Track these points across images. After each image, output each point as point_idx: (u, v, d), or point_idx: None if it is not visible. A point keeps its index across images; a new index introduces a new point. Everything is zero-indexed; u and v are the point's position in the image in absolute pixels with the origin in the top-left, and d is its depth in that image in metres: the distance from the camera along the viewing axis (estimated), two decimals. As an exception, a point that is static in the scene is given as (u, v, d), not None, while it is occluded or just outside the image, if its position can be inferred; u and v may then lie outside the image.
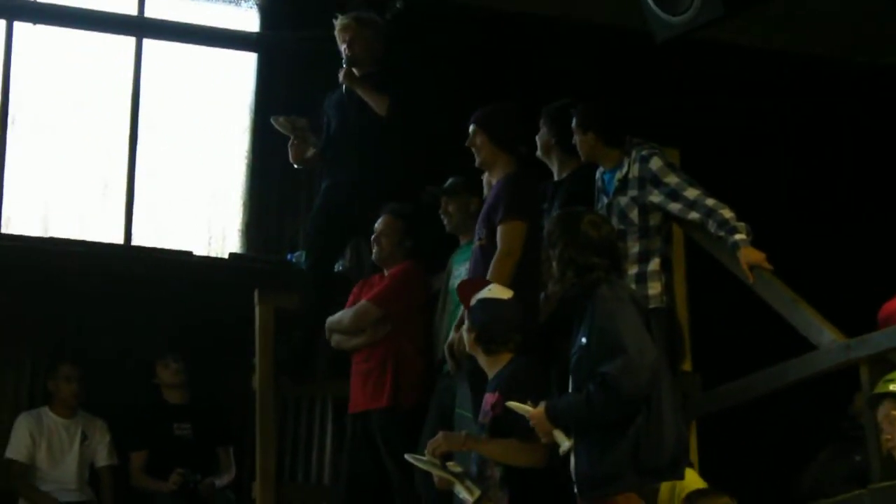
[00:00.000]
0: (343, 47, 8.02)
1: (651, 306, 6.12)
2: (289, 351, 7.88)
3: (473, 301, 5.94)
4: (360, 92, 7.93)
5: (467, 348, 5.98)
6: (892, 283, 7.07)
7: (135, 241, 8.88)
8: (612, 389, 5.05)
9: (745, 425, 8.47)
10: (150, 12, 9.11)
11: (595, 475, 5.15)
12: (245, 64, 9.31)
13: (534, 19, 9.85)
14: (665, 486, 5.53)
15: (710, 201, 6.25)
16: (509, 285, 6.05)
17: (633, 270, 6.26)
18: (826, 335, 5.85)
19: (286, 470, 8.45)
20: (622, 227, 6.31)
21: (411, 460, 5.89)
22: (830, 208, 10.18)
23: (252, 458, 7.99)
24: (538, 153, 6.91)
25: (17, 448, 8.11)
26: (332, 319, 7.53)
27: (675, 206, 6.32)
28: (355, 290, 7.63)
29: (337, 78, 8.05)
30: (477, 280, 6.24)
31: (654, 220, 6.40)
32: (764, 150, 10.14)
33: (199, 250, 9.03)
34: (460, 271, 6.93)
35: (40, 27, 8.93)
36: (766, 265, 6.13)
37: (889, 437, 5.37)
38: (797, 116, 10.14)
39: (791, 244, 8.20)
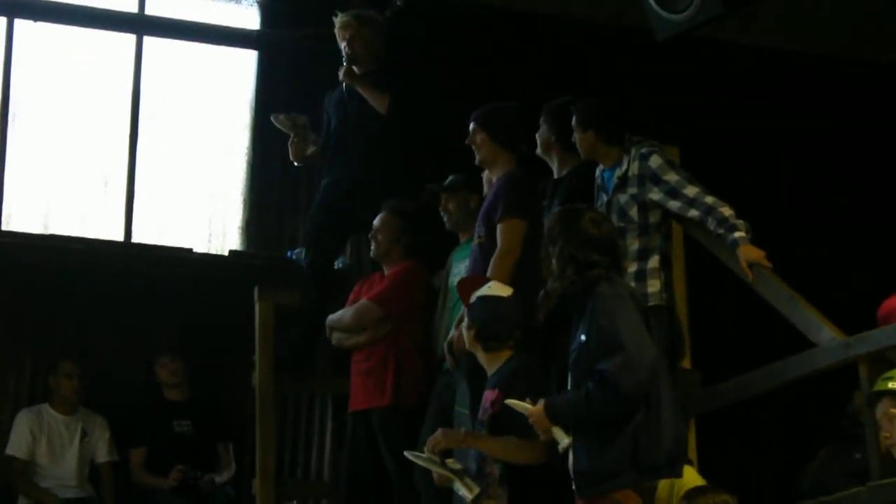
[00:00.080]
0: (343, 45, 8.03)
1: (650, 304, 6.13)
2: (289, 348, 7.89)
3: (473, 298, 5.96)
4: (360, 90, 7.93)
5: (467, 345, 5.99)
6: (891, 281, 7.08)
7: (135, 239, 8.89)
8: (611, 387, 5.06)
9: (745, 423, 8.48)
10: (150, 10, 9.12)
11: (594, 472, 5.15)
12: (245, 61, 9.32)
13: (534, 17, 9.85)
14: (664, 484, 5.52)
15: (709, 199, 6.26)
16: (509, 283, 6.07)
17: (632, 268, 6.26)
18: (825, 333, 5.85)
19: (286, 466, 8.49)
20: (622, 224, 6.31)
21: (411, 457, 5.90)
22: (830, 206, 10.19)
23: (252, 455, 8.00)
24: (538, 151, 6.91)
25: (17, 445, 8.12)
26: (332, 317, 7.53)
27: (674, 204, 6.32)
28: (356, 287, 7.64)
29: (337, 76, 8.06)
30: (477, 277, 6.25)
31: (654, 217, 6.40)
32: (763, 148, 10.14)
33: (200, 247, 9.04)
34: (460, 269, 6.94)
35: (41, 24, 8.94)
36: (766, 263, 6.13)
37: (888, 434, 5.38)
38: (796, 114, 10.13)
39: (790, 242, 8.21)
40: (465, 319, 5.99)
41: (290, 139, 8.26)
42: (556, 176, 6.87)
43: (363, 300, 7.39)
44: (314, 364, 8.12)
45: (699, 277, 6.85)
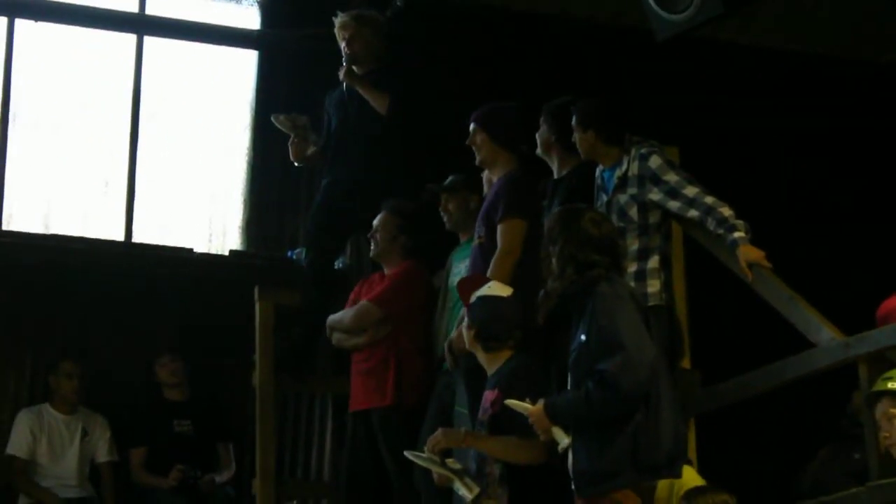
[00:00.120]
0: (343, 45, 8.03)
1: (650, 304, 6.13)
2: (289, 348, 7.89)
3: (473, 298, 5.96)
4: (360, 90, 7.94)
5: (467, 345, 5.99)
6: (890, 282, 7.08)
7: (136, 238, 8.89)
8: (611, 387, 5.06)
9: (744, 423, 8.48)
10: (151, 10, 9.12)
11: (593, 472, 5.16)
12: (246, 61, 9.32)
13: (534, 17, 9.86)
14: (663, 484, 5.53)
15: (709, 199, 6.26)
16: (510, 283, 6.07)
17: (632, 268, 6.26)
18: (825, 333, 5.85)
19: (286, 466, 8.49)
20: (621, 224, 6.31)
21: (411, 457, 5.90)
22: (829, 206, 10.19)
23: (252, 455, 8.00)
24: (538, 151, 6.92)
25: (17, 444, 8.13)
26: (333, 318, 7.53)
27: (674, 204, 6.32)
28: (356, 288, 7.64)
29: (338, 76, 8.06)
30: (477, 277, 6.26)
31: (654, 217, 6.40)
32: (763, 148, 10.15)
33: (200, 247, 9.04)
34: (460, 269, 6.94)
35: (42, 24, 8.94)
36: (765, 263, 6.13)
37: (887, 434, 5.38)
38: (796, 114, 10.14)
39: (790, 242, 8.22)
40: (465, 319, 5.99)
41: (291, 139, 8.26)
42: (555, 176, 6.87)
43: (363, 301, 7.39)
44: (314, 364, 8.13)
45: (699, 277, 6.85)
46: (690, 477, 5.69)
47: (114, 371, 8.45)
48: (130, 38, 9.07)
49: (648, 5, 6.75)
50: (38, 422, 8.17)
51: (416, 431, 6.76)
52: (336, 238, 8.13)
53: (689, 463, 5.90)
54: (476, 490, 5.66)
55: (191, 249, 8.93)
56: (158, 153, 9.04)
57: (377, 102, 7.87)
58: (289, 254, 8.82)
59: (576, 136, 6.59)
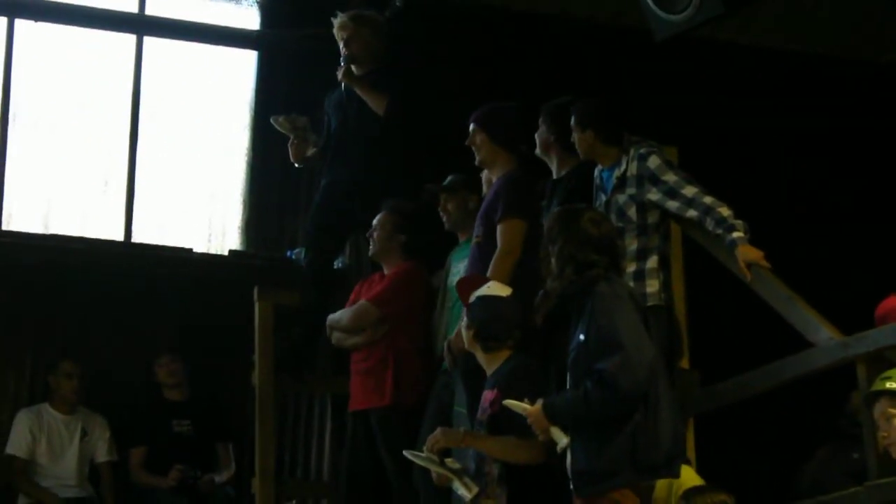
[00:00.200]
0: (341, 45, 8.03)
1: (649, 304, 6.13)
2: (289, 348, 7.89)
3: (472, 298, 5.95)
4: (358, 91, 7.93)
5: (466, 345, 5.99)
6: (889, 281, 7.09)
7: (135, 238, 8.90)
8: (610, 386, 5.06)
9: (743, 423, 8.47)
10: (150, 10, 9.13)
11: (592, 471, 5.15)
12: (245, 62, 9.33)
13: (534, 17, 9.86)
14: (662, 484, 5.53)
15: (707, 199, 6.25)
16: (509, 284, 6.07)
17: (631, 268, 6.26)
18: (823, 333, 5.85)
19: (285, 466, 8.49)
20: (620, 224, 6.31)
21: (410, 457, 5.90)
22: (829, 206, 10.19)
23: (251, 455, 8.00)
24: (537, 151, 6.92)
25: (17, 444, 8.13)
26: (332, 317, 7.54)
27: (672, 204, 6.32)
28: (356, 287, 7.64)
29: (337, 76, 8.06)
30: (476, 277, 6.25)
31: (653, 217, 6.40)
32: (762, 148, 10.15)
33: (200, 247, 9.04)
34: (459, 268, 6.94)
35: (41, 24, 8.95)
36: (764, 263, 6.12)
37: (885, 434, 5.38)
38: (796, 114, 10.14)
39: (789, 242, 8.23)
40: (464, 319, 5.99)
41: (290, 141, 8.26)
42: (554, 176, 6.87)
43: (362, 301, 7.39)
44: (314, 364, 8.13)
45: (698, 277, 6.85)
46: (689, 477, 5.69)
47: (113, 371, 8.45)
48: (130, 39, 9.08)
49: (647, 5, 6.74)
50: (37, 422, 8.17)
51: (415, 431, 6.76)
52: (335, 238, 8.13)
53: (688, 463, 5.90)
54: (475, 490, 5.66)
55: (190, 249, 8.94)
56: (158, 153, 9.05)
57: (375, 103, 7.87)
58: (288, 254, 8.82)
59: (575, 137, 6.59)
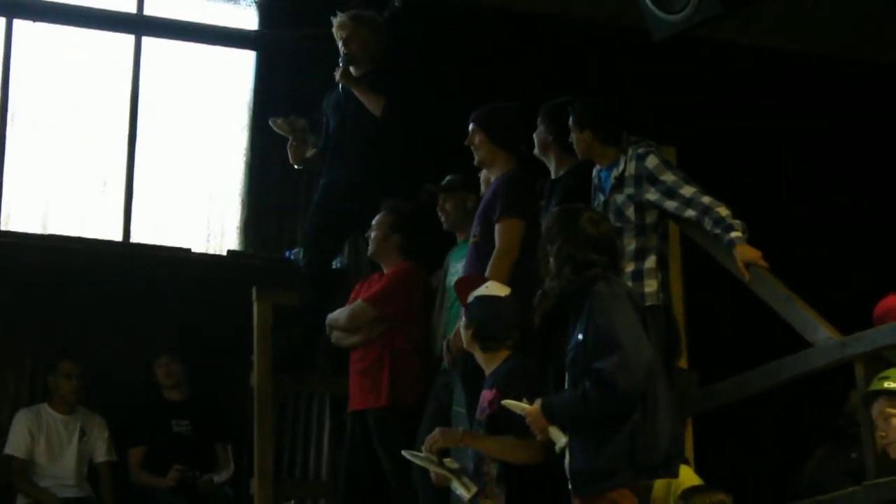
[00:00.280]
0: (340, 45, 8.02)
1: (647, 304, 6.12)
2: (288, 348, 7.89)
3: (471, 298, 5.95)
4: (355, 91, 7.92)
5: (465, 345, 5.99)
6: (887, 281, 7.09)
7: (134, 239, 8.90)
8: (608, 386, 5.06)
9: (741, 422, 8.48)
10: (149, 10, 9.13)
11: (590, 471, 5.15)
12: (244, 62, 9.33)
13: (533, 17, 9.86)
14: (660, 484, 5.54)
15: (706, 199, 6.25)
16: (508, 283, 6.07)
17: (629, 268, 6.26)
18: (821, 332, 5.85)
19: (284, 466, 8.49)
20: (619, 224, 6.30)
21: (408, 457, 5.90)
22: (827, 206, 10.19)
23: (250, 455, 8.00)
24: (536, 151, 6.92)
25: (16, 444, 8.13)
26: (331, 316, 7.54)
27: (671, 204, 6.31)
28: (357, 287, 7.64)
29: (335, 77, 8.05)
30: (475, 277, 6.25)
31: (651, 217, 6.39)
32: (761, 148, 10.14)
33: (198, 247, 9.05)
34: (457, 268, 6.94)
35: (40, 25, 8.95)
36: (762, 263, 6.12)
37: (884, 434, 5.38)
38: (795, 114, 10.14)
39: (788, 242, 8.22)
40: (463, 319, 5.99)
41: (289, 142, 8.25)
42: (553, 176, 6.87)
43: (358, 301, 7.39)
44: (313, 364, 8.13)
45: (696, 277, 6.85)
46: (687, 476, 5.69)
47: (112, 371, 8.45)
48: (128, 39, 9.08)
49: (645, 5, 6.72)
50: (36, 422, 8.17)
51: (414, 431, 6.76)
52: (334, 238, 8.13)
53: (686, 462, 5.90)
54: (474, 489, 5.66)
55: (189, 250, 8.94)
56: (156, 153, 9.05)
57: (372, 105, 7.86)
58: (287, 254, 8.82)
59: (573, 137, 6.58)
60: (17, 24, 8.87)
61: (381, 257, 7.48)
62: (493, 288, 5.98)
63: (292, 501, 8.25)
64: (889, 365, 5.51)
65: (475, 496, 5.66)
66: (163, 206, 9.03)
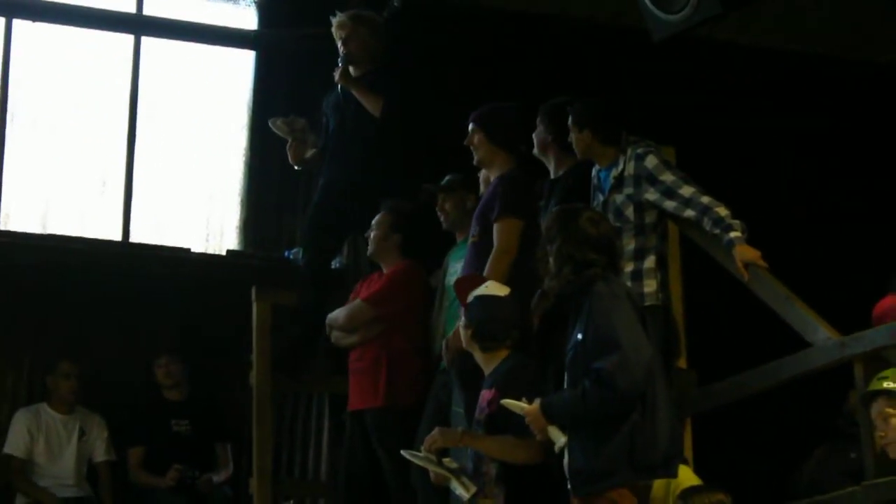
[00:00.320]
0: (339, 45, 8.02)
1: (646, 304, 6.11)
2: (286, 348, 7.89)
3: (470, 298, 5.95)
4: (354, 92, 7.92)
5: (464, 345, 5.99)
6: (886, 281, 7.09)
7: (133, 238, 8.90)
8: (607, 385, 5.06)
9: (740, 422, 8.47)
10: (148, 10, 9.14)
11: (590, 471, 5.15)
12: (243, 62, 9.33)
13: (532, 17, 9.85)
14: (659, 484, 5.53)
15: (705, 199, 6.24)
16: (506, 283, 6.07)
17: (628, 268, 6.25)
18: (821, 333, 5.85)
19: (283, 466, 8.49)
20: (618, 224, 6.29)
21: (408, 456, 5.90)
22: (827, 206, 10.19)
23: (249, 454, 8.00)
24: (535, 151, 6.92)
25: (15, 444, 8.14)
26: (331, 316, 7.54)
27: (670, 204, 6.31)
28: (357, 287, 7.64)
29: (334, 77, 8.05)
30: (474, 277, 6.25)
31: (650, 217, 6.39)
32: (760, 148, 10.14)
33: (197, 247, 9.05)
34: (456, 268, 6.94)
35: (39, 24, 8.95)
36: (761, 263, 6.11)
37: (883, 434, 5.38)
38: (794, 114, 10.13)
39: (787, 242, 8.22)
40: (462, 318, 5.99)
41: (289, 143, 8.25)
42: (552, 176, 6.86)
43: (357, 300, 7.40)
44: (312, 364, 8.12)
45: (695, 277, 6.85)
46: (686, 476, 5.69)
47: (112, 371, 8.45)
48: (128, 39, 9.08)
49: (645, 5, 6.72)
50: (35, 421, 8.18)
51: (413, 431, 6.76)
52: (333, 238, 8.13)
53: (685, 462, 5.91)
54: (473, 489, 5.66)
55: (188, 249, 8.94)
56: (156, 153, 9.05)
57: (371, 105, 7.85)
58: (286, 254, 8.82)
59: (572, 136, 6.58)
60: (17, 23, 8.87)
61: (381, 257, 7.48)
62: (493, 288, 5.98)
63: (291, 501, 8.26)
64: (888, 365, 5.51)
65: (474, 496, 5.66)
66: (162, 205, 9.03)
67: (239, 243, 9.13)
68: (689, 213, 6.27)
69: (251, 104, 9.22)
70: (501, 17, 9.75)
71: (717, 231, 6.18)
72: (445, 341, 6.57)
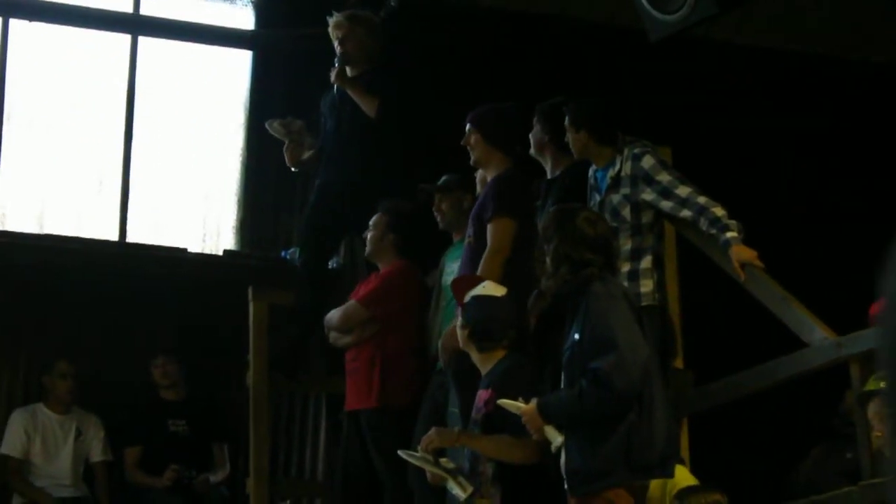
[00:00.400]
0: (336, 45, 8.02)
1: (643, 304, 6.11)
2: (283, 348, 7.88)
3: (467, 298, 5.95)
4: (350, 93, 7.91)
5: (461, 345, 5.99)
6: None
7: (130, 238, 8.89)
8: (604, 385, 5.06)
9: (737, 422, 8.48)
10: (145, 10, 9.12)
11: (586, 471, 5.16)
12: (240, 61, 9.32)
13: (529, 17, 9.85)
14: (656, 484, 5.54)
15: (701, 199, 6.24)
16: (500, 282, 6.07)
17: (625, 268, 6.25)
18: (817, 333, 5.85)
19: (280, 466, 8.48)
20: (614, 224, 6.28)
21: (404, 456, 5.90)
22: (825, 206, 10.18)
23: (246, 454, 7.99)
24: (532, 151, 6.92)
25: (11, 444, 8.13)
26: (327, 317, 7.54)
27: (666, 204, 6.31)
28: (356, 288, 7.63)
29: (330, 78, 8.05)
30: (471, 277, 6.25)
31: (647, 217, 6.39)
32: (756, 148, 10.14)
33: (194, 247, 9.04)
34: (453, 268, 6.94)
35: (36, 24, 8.94)
36: (758, 263, 6.11)
37: (879, 433, 5.39)
38: (792, 114, 10.13)
39: (783, 242, 8.22)
40: (459, 319, 5.99)
41: (286, 145, 8.25)
42: (549, 176, 6.86)
43: (351, 301, 7.40)
44: (308, 363, 8.12)
45: (692, 277, 6.84)
46: (683, 476, 5.69)
47: (108, 371, 8.45)
48: (125, 39, 9.07)
49: (641, 5, 6.71)
50: (32, 421, 8.17)
51: (409, 431, 6.75)
52: (330, 238, 8.13)
53: (682, 462, 5.90)
54: (469, 489, 5.66)
55: (185, 249, 8.93)
56: (153, 153, 9.04)
57: (366, 106, 7.84)
58: (283, 254, 8.81)
59: (569, 137, 6.58)
60: (14, 23, 8.86)
61: (378, 257, 7.48)
62: (490, 288, 5.97)
63: (288, 501, 8.26)
64: (885, 365, 5.50)
65: (471, 496, 5.65)
66: (159, 205, 9.03)
67: (236, 243, 9.13)
68: (686, 213, 6.27)
69: (248, 104, 9.21)
70: (500, 17, 9.74)
71: (713, 231, 6.18)
72: (440, 342, 6.57)
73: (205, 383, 8.58)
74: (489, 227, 6.45)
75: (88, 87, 9.00)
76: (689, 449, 6.44)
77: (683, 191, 6.27)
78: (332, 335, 7.49)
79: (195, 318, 8.53)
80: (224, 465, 8.45)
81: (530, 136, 6.87)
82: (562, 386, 5.33)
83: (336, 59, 7.97)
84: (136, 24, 9.09)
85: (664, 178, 6.33)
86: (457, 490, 5.70)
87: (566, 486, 5.25)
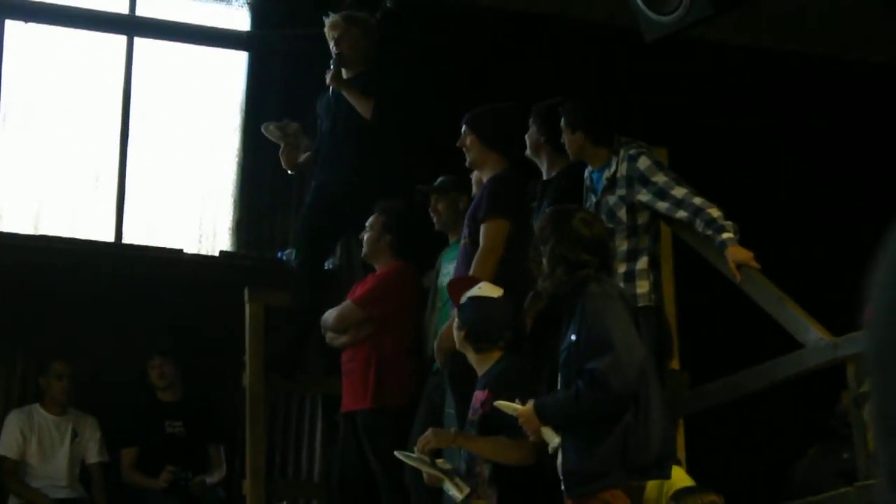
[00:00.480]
0: (332, 46, 8.02)
1: (639, 305, 6.11)
2: (279, 348, 7.88)
3: (463, 299, 5.95)
4: (346, 94, 7.91)
5: (457, 346, 5.99)
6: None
7: (125, 239, 8.89)
8: (600, 386, 5.06)
9: (733, 423, 8.48)
10: (141, 11, 9.11)
11: (583, 472, 5.16)
12: (236, 63, 9.31)
13: (528, 17, 9.85)
14: (652, 485, 5.54)
15: (697, 200, 6.24)
16: (494, 283, 6.07)
17: (621, 269, 6.25)
18: (813, 333, 5.85)
19: (276, 466, 8.48)
20: (611, 225, 6.28)
21: (401, 457, 5.90)
22: (820, 206, 10.19)
23: (242, 455, 7.99)
24: (527, 152, 6.92)
25: (7, 445, 8.13)
26: (323, 317, 7.54)
27: (662, 205, 6.31)
28: (353, 288, 7.63)
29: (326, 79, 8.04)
30: (467, 278, 6.25)
31: (642, 218, 6.39)
32: (753, 148, 10.14)
33: (190, 248, 9.03)
34: (449, 269, 6.94)
35: (32, 25, 8.93)
36: (754, 264, 6.11)
37: (876, 434, 5.38)
38: (789, 115, 10.14)
39: (779, 243, 8.22)
40: (455, 320, 5.99)
41: (281, 148, 8.24)
42: (545, 177, 6.86)
43: (347, 301, 7.40)
44: (305, 364, 8.12)
45: (687, 278, 6.85)
46: (679, 477, 5.70)
47: (105, 372, 8.44)
48: (120, 40, 9.06)
49: (637, 6, 6.72)
50: (28, 422, 8.17)
51: (405, 432, 6.75)
52: (326, 239, 8.12)
53: (678, 463, 5.90)
54: (466, 490, 5.66)
55: (181, 250, 8.92)
56: (148, 154, 9.04)
57: (362, 108, 7.83)
58: (279, 254, 8.81)
59: (565, 137, 6.58)
60: (10, 24, 8.85)
61: (374, 258, 7.48)
62: (486, 289, 5.97)
63: (284, 502, 8.26)
64: (881, 366, 5.50)
65: (467, 497, 5.65)
66: (155, 206, 9.02)
67: (232, 244, 9.12)
68: (682, 214, 6.27)
69: (244, 105, 9.20)
70: (499, 17, 9.74)
71: (709, 232, 6.18)
72: (437, 342, 6.57)
73: (201, 384, 8.57)
74: (482, 228, 6.45)
75: (84, 88, 8.99)
76: (685, 450, 6.45)
77: (679, 192, 6.28)
78: (328, 335, 7.49)
79: (191, 318, 8.53)
80: (220, 466, 8.45)
81: (526, 136, 6.87)
82: (558, 387, 5.33)
83: (332, 61, 7.96)
84: (131, 25, 9.08)
85: (660, 179, 6.33)
86: (453, 491, 5.70)
87: (563, 488, 5.25)
